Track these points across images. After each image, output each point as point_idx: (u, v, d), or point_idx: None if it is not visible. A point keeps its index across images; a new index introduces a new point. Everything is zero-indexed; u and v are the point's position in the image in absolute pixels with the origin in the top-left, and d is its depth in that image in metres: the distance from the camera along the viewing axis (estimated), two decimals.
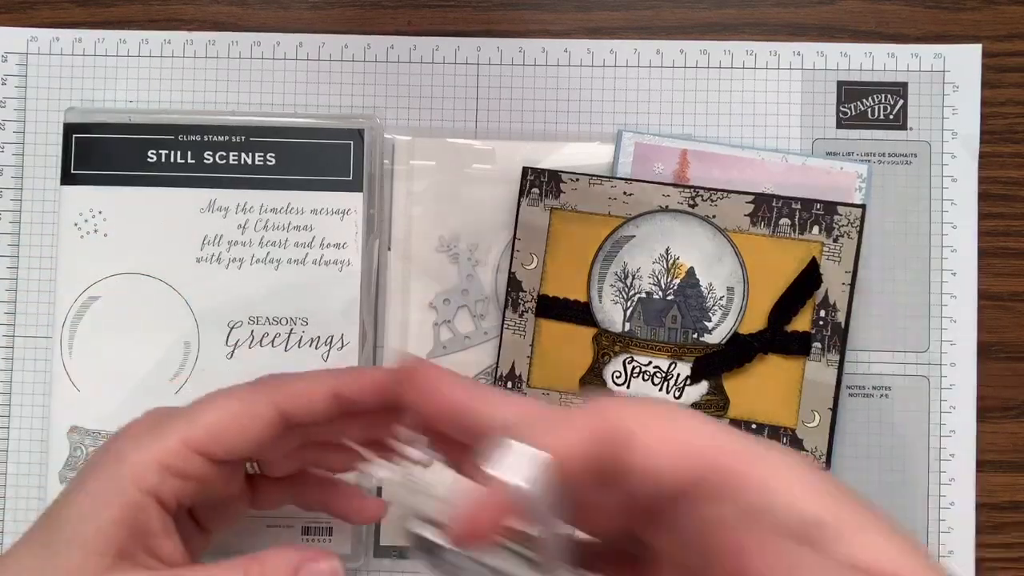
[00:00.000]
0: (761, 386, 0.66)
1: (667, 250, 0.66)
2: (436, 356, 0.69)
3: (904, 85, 0.70)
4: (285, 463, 0.58)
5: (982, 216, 0.69)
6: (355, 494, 0.60)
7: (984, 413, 0.69)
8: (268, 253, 0.68)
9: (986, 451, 0.69)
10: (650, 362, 0.66)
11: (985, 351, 0.69)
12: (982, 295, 0.69)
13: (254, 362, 0.67)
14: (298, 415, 0.53)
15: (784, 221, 0.66)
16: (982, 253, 0.69)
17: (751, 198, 0.66)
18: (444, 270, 0.69)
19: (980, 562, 0.68)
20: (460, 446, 0.47)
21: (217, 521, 0.58)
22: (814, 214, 0.65)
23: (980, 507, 0.68)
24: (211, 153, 0.68)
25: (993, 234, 0.69)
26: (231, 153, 0.68)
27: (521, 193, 0.67)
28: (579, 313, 0.66)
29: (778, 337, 0.65)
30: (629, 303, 0.67)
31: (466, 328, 0.69)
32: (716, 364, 0.66)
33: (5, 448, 0.70)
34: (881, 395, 0.68)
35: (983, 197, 0.69)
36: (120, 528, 0.49)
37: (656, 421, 0.41)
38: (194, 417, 0.52)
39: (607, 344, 0.66)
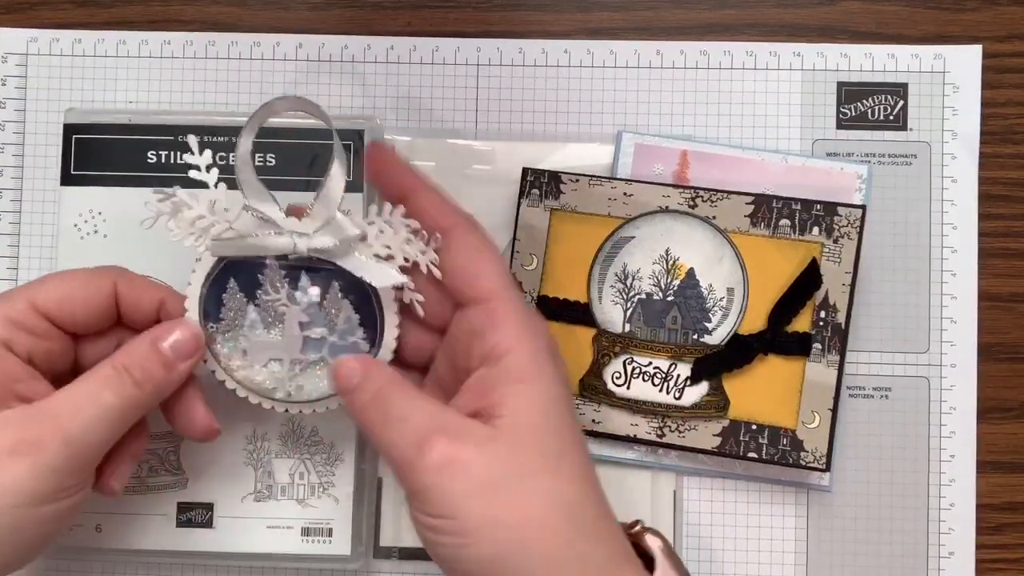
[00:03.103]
0: (761, 387, 0.66)
1: (667, 251, 0.66)
2: None
3: (904, 86, 0.70)
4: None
5: (982, 217, 0.69)
6: (194, 404, 0.60)
7: (984, 414, 0.69)
8: None
9: (986, 452, 0.69)
10: (650, 363, 0.66)
11: (985, 352, 0.69)
12: (982, 296, 0.69)
13: None
14: (129, 303, 0.59)
15: (784, 222, 0.66)
16: (982, 254, 0.69)
17: (751, 199, 0.66)
18: None
19: (980, 563, 0.68)
20: None
21: None
22: (814, 215, 0.65)
23: (980, 508, 0.68)
24: (211, 153, 0.68)
25: (993, 235, 0.69)
26: (231, 153, 0.67)
27: (521, 194, 0.67)
28: (579, 314, 0.66)
29: (778, 338, 0.65)
30: (629, 304, 0.67)
31: None
32: (716, 365, 0.66)
33: None
34: (881, 396, 0.68)
35: (983, 198, 0.69)
36: None
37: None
38: (40, 285, 0.58)
39: (607, 345, 0.66)
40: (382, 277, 0.58)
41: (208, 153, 0.59)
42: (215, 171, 0.59)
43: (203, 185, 0.59)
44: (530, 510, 0.52)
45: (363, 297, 0.60)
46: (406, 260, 0.58)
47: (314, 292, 0.59)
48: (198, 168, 0.59)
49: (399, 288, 0.59)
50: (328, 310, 0.60)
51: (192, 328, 0.58)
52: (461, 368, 0.57)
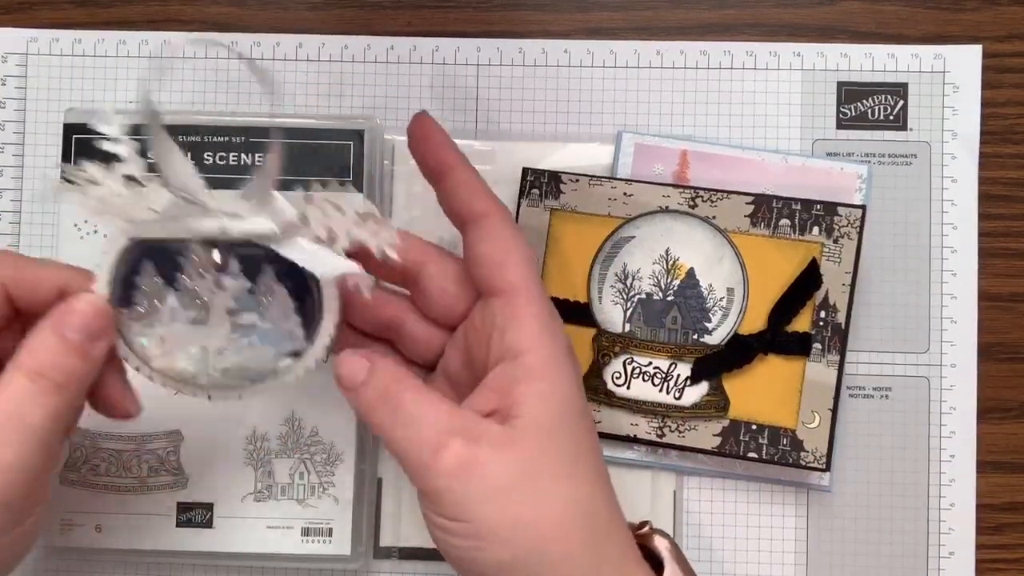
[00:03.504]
0: (761, 387, 0.66)
1: (667, 251, 0.66)
2: None
3: (904, 86, 0.70)
4: None
5: (982, 217, 0.69)
6: (111, 382, 0.55)
7: (984, 414, 0.69)
8: None
9: (986, 452, 0.69)
10: (650, 363, 0.66)
11: (985, 352, 0.69)
12: (982, 296, 0.69)
13: None
14: (23, 294, 0.53)
15: (784, 222, 0.66)
16: (982, 254, 0.69)
17: (751, 199, 0.66)
18: None
19: (980, 563, 0.68)
20: None
21: None
22: (814, 215, 0.65)
23: (980, 508, 0.68)
24: (211, 154, 0.68)
25: (993, 235, 0.69)
26: (231, 154, 0.68)
27: (521, 194, 0.67)
28: (579, 314, 0.66)
29: (778, 338, 0.65)
30: (629, 304, 0.67)
31: None
32: (716, 365, 0.66)
33: None
34: (881, 396, 0.68)
35: (983, 198, 0.69)
36: None
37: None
38: None
39: (607, 345, 0.66)
40: (327, 266, 0.53)
41: (123, 120, 0.53)
42: (133, 143, 0.53)
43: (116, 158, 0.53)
44: (548, 513, 0.52)
45: (300, 281, 0.54)
46: (353, 246, 0.53)
47: (243, 277, 0.54)
48: (108, 138, 0.53)
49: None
50: (259, 296, 0.54)
51: (93, 301, 0.52)
52: (478, 362, 0.56)
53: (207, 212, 0.52)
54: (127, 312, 0.53)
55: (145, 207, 0.52)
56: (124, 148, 0.53)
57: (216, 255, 0.53)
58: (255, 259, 0.54)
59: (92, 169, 0.52)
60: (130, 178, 0.52)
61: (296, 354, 0.55)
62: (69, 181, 0.52)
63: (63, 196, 0.53)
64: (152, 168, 0.53)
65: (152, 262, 0.53)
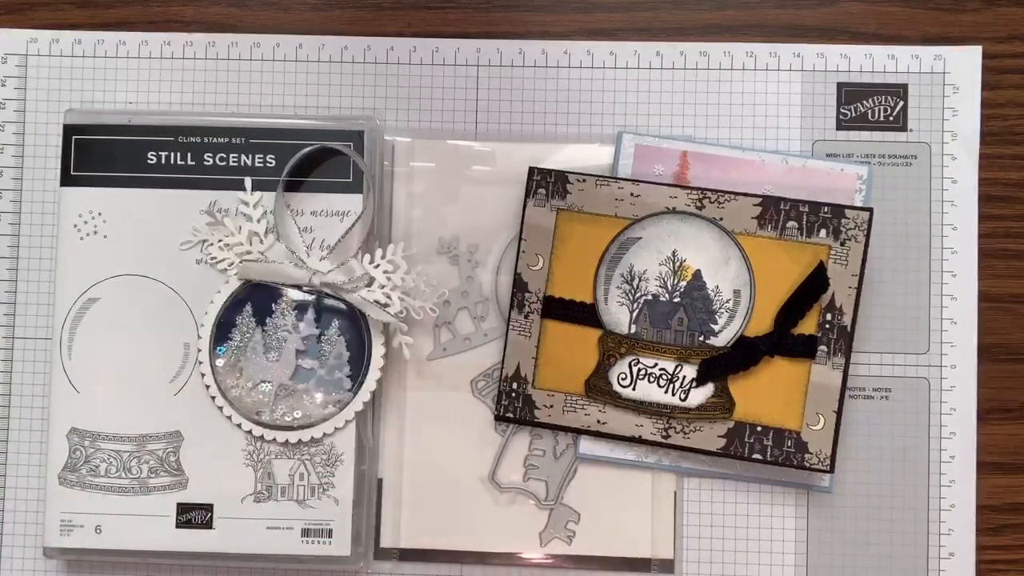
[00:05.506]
0: (767, 388, 0.66)
1: (674, 252, 0.66)
2: (436, 358, 0.69)
3: (904, 87, 0.70)
4: None
5: (982, 218, 0.69)
6: None
7: (984, 415, 0.69)
8: None
9: (986, 453, 0.69)
10: (656, 364, 0.66)
11: (985, 353, 0.69)
12: (982, 297, 0.69)
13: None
14: None
15: (791, 224, 0.66)
16: (982, 255, 0.69)
17: (759, 200, 0.66)
18: (444, 271, 0.69)
19: (980, 564, 0.68)
20: None
21: None
22: (822, 217, 0.65)
23: (980, 509, 0.68)
24: (211, 155, 0.68)
25: (993, 236, 0.69)
26: (231, 154, 0.68)
27: (527, 194, 0.67)
28: (585, 314, 0.66)
29: (784, 340, 0.65)
30: (635, 305, 0.66)
31: (466, 329, 0.69)
32: (722, 366, 0.66)
33: (5, 449, 0.70)
34: (881, 397, 0.69)
35: (983, 199, 0.69)
36: None
37: None
38: None
39: (613, 346, 0.66)
40: (378, 313, 0.66)
41: (259, 194, 0.68)
42: (262, 207, 0.68)
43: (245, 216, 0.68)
44: None
45: (358, 340, 0.68)
46: (402, 311, 0.66)
47: (315, 325, 0.67)
48: (248, 206, 0.68)
49: (391, 334, 0.67)
50: (323, 345, 0.68)
51: None
52: None
53: (301, 264, 0.67)
54: (224, 348, 0.67)
55: (260, 257, 0.67)
56: (256, 213, 0.68)
57: (297, 297, 0.68)
58: (327, 315, 0.68)
59: (229, 223, 0.67)
60: (254, 233, 0.68)
61: (339, 403, 0.67)
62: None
63: (200, 244, 0.68)
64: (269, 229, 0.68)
65: (251, 306, 0.68)
